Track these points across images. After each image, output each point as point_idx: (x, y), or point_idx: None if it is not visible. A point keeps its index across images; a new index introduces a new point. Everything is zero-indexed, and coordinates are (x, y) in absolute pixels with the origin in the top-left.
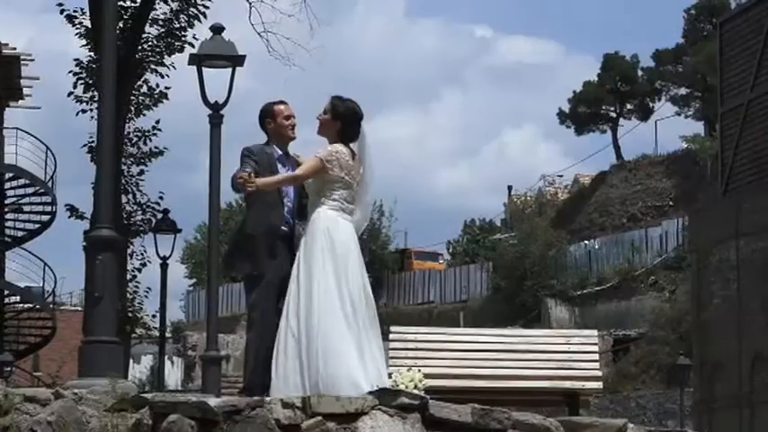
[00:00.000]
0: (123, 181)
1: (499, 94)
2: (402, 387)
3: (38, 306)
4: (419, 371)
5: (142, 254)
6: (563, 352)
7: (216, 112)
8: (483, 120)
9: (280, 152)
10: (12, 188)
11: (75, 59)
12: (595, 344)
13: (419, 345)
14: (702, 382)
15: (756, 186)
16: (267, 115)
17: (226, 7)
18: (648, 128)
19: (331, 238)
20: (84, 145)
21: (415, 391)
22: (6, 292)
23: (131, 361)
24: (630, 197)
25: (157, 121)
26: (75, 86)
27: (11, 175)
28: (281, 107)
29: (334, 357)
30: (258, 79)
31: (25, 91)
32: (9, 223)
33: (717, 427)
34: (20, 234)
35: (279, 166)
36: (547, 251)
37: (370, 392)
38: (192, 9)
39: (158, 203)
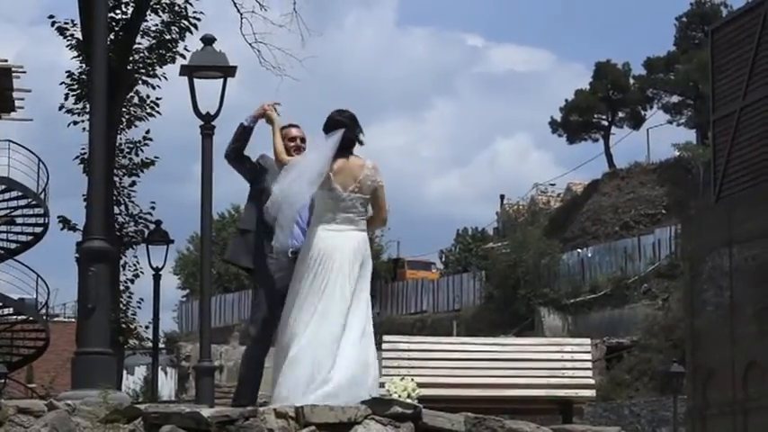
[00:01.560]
0: (115, 192)
1: (491, 102)
2: (395, 396)
3: (31, 318)
4: (412, 380)
5: (135, 265)
6: (556, 360)
7: (207, 123)
8: (475, 128)
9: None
10: (4, 200)
11: (67, 71)
12: (588, 352)
13: (412, 354)
14: (696, 389)
15: (749, 194)
16: None
17: (217, 18)
18: (640, 136)
19: None
20: (77, 157)
21: (409, 401)
22: (0, 305)
23: (125, 372)
24: (623, 205)
25: (147, 131)
26: (66, 98)
27: (3, 187)
28: (289, 129)
29: None
30: (250, 89)
31: (17, 103)
32: (2, 235)
33: None
34: (12, 246)
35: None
36: (540, 260)
37: (364, 402)
38: (183, 21)
39: (150, 214)
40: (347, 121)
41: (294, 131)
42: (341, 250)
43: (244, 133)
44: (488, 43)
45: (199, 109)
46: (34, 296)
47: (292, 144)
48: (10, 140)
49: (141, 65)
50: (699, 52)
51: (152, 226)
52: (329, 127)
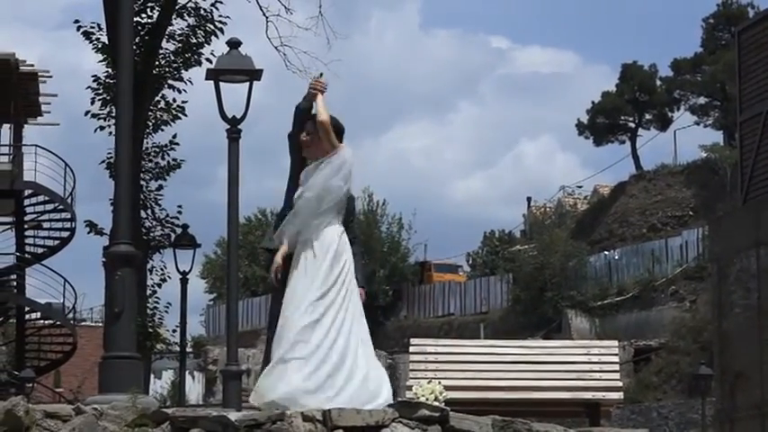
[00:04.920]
0: (142, 196)
1: (515, 104)
2: (423, 399)
3: (58, 322)
4: (439, 383)
5: (162, 269)
6: (584, 363)
7: (234, 127)
8: (499, 131)
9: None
10: (31, 205)
11: (93, 76)
12: (616, 354)
13: (439, 357)
14: (724, 391)
15: None
16: None
17: (243, 21)
18: (667, 138)
19: None
20: (103, 161)
21: (436, 404)
22: (27, 309)
23: (152, 376)
24: (650, 207)
25: (174, 136)
26: (92, 102)
27: (30, 191)
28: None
29: None
30: (276, 93)
31: (43, 108)
32: (29, 240)
33: None
34: (40, 251)
35: None
36: (567, 262)
37: (391, 405)
38: (209, 25)
39: (177, 218)
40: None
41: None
42: None
43: (301, 115)
44: (513, 45)
45: (225, 113)
46: (61, 301)
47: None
48: (37, 145)
49: (167, 69)
50: (726, 53)
51: (179, 230)
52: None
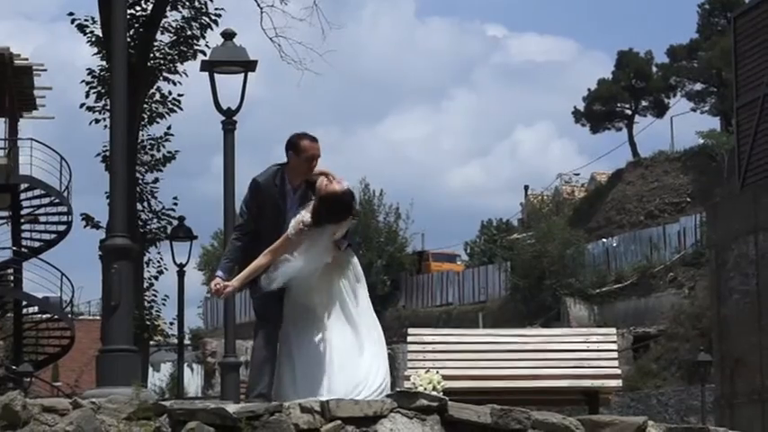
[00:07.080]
0: (138, 189)
1: (512, 93)
2: (421, 389)
3: (56, 316)
4: (437, 372)
5: (159, 261)
6: (582, 350)
7: (229, 118)
8: (495, 119)
9: (288, 186)
10: (27, 199)
11: (88, 69)
12: (615, 342)
13: (437, 347)
14: (723, 377)
15: None
16: (291, 147)
17: (237, 12)
18: (664, 124)
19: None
20: (98, 154)
21: (434, 393)
22: (24, 303)
23: (151, 369)
24: (647, 194)
25: (169, 127)
26: (87, 96)
27: (26, 185)
28: (309, 144)
29: None
30: (270, 84)
31: (38, 101)
32: (26, 234)
33: (739, 423)
34: (36, 244)
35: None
36: (565, 250)
37: (389, 395)
38: (204, 17)
39: (173, 210)
40: (355, 206)
41: (315, 149)
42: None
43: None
44: (509, 33)
45: (220, 104)
46: (59, 294)
47: (312, 164)
48: (33, 139)
49: (162, 61)
50: (722, 39)
51: (175, 222)
52: (341, 208)
